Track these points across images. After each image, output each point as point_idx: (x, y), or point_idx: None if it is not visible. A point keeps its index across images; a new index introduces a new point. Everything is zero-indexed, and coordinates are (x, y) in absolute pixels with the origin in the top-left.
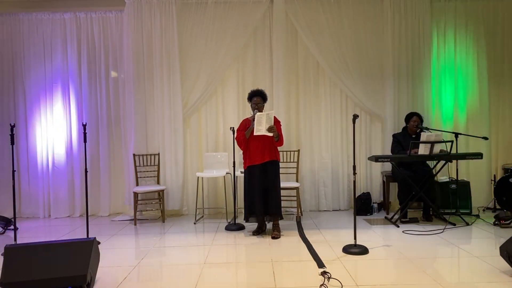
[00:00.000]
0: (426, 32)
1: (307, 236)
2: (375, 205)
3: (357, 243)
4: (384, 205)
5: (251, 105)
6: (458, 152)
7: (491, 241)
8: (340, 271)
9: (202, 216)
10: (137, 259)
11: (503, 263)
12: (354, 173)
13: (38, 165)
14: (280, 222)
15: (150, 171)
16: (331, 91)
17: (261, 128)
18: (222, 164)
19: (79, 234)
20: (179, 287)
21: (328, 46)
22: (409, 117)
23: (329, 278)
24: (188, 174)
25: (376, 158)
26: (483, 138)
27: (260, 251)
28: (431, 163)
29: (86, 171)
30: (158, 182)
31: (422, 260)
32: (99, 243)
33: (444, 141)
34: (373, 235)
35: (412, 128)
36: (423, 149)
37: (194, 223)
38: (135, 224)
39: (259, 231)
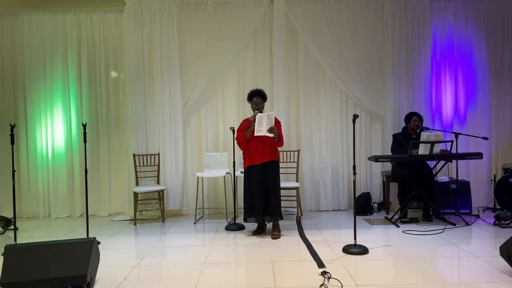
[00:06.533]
0: (426, 32)
1: (307, 236)
2: (375, 205)
3: (357, 243)
4: (384, 205)
5: (251, 105)
6: (458, 152)
7: (491, 241)
8: (340, 271)
9: (202, 216)
10: (137, 259)
11: (503, 263)
12: (354, 173)
13: (38, 165)
14: (280, 222)
15: (150, 171)
16: (331, 91)
17: (262, 129)
18: (222, 164)
19: (79, 234)
20: (179, 287)
21: (328, 46)
22: (409, 117)
23: (329, 278)
24: (188, 174)
25: (376, 158)
26: (483, 138)
27: (260, 251)
28: (431, 163)
29: (86, 171)
30: (158, 182)
31: (422, 260)
32: (99, 243)
33: (444, 141)
34: (373, 235)
35: (412, 128)
36: (423, 149)
37: (194, 223)
38: (135, 224)
39: (259, 231)
